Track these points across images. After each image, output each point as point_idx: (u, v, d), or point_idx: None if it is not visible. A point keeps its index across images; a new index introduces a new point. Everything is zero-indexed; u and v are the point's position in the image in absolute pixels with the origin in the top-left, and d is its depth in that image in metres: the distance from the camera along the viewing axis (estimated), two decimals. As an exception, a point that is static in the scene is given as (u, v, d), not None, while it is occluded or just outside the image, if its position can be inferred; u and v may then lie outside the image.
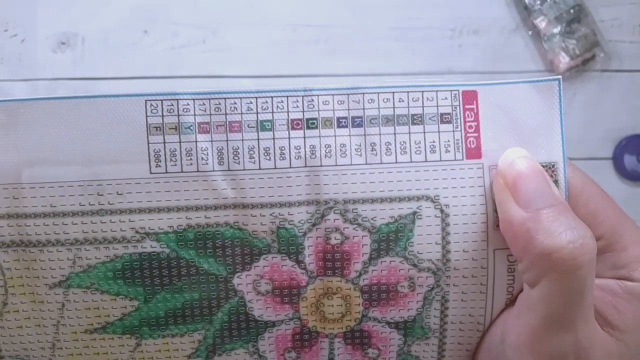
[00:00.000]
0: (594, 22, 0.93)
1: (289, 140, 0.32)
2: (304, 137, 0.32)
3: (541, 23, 0.92)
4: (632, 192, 0.95)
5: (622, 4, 0.94)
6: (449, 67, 0.93)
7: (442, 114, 0.32)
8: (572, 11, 0.92)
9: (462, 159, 0.32)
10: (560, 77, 0.32)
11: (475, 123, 0.32)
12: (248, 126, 0.32)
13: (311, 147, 0.32)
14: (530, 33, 0.93)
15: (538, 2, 0.92)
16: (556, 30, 0.92)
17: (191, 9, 0.91)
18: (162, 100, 0.31)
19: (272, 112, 0.32)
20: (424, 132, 0.32)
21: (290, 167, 0.32)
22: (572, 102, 0.94)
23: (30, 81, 0.89)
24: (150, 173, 0.32)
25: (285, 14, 0.92)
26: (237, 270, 0.33)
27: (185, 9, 0.91)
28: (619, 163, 0.94)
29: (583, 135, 0.93)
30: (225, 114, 0.32)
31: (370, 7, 0.93)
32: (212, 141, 0.32)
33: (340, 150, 0.32)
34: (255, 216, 0.32)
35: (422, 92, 0.32)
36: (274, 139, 0.32)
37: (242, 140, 0.32)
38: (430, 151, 0.32)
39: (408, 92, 0.32)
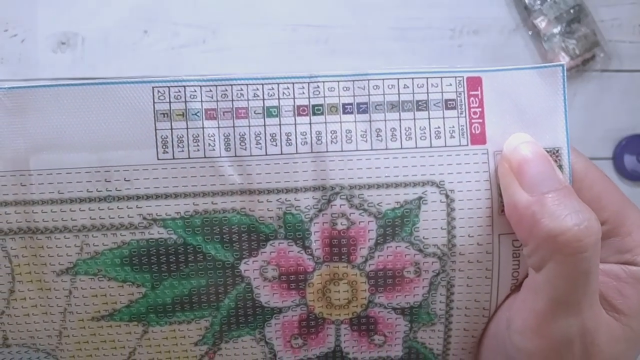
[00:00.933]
0: (594, 22, 0.93)
1: (295, 126, 0.32)
2: (310, 123, 0.32)
3: (541, 23, 0.92)
4: (632, 192, 0.95)
5: (622, 4, 0.94)
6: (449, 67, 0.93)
7: (446, 100, 0.32)
8: (572, 11, 0.92)
9: (467, 145, 0.32)
10: (564, 63, 0.32)
11: (480, 109, 0.32)
12: (254, 112, 0.32)
13: (317, 133, 0.32)
14: (530, 33, 0.93)
15: (538, 2, 0.92)
16: (556, 30, 0.92)
17: (191, 9, 0.91)
18: (169, 87, 0.32)
19: (279, 99, 0.32)
20: (429, 118, 0.32)
21: (297, 153, 0.32)
22: (572, 102, 0.94)
23: (30, 81, 0.89)
24: (158, 159, 0.32)
25: (285, 14, 0.92)
26: (244, 256, 0.33)
27: (185, 9, 0.91)
28: (619, 163, 0.94)
29: (583, 135, 0.93)
30: (232, 100, 0.32)
31: (370, 7, 0.93)
32: (219, 127, 0.32)
33: (346, 136, 0.32)
34: (262, 202, 0.32)
35: (427, 78, 0.32)
36: (280, 124, 0.32)
37: (249, 126, 0.32)
38: (435, 137, 0.32)
39: (413, 78, 0.32)
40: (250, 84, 0.32)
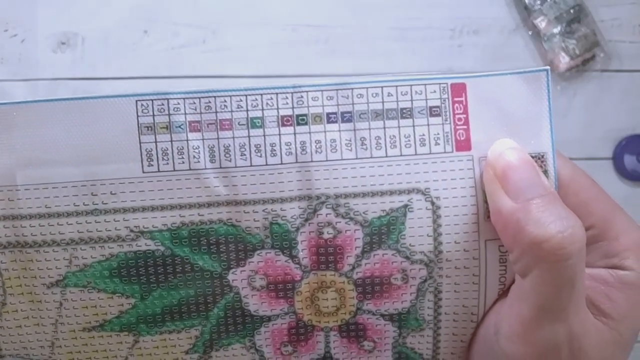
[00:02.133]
0: (594, 22, 0.93)
1: (280, 136, 0.32)
2: (294, 134, 0.32)
3: (541, 23, 0.92)
4: (632, 192, 0.95)
5: (622, 4, 0.94)
6: (449, 67, 0.93)
7: (431, 107, 0.32)
8: (572, 11, 0.92)
9: (452, 152, 0.32)
10: (548, 67, 0.32)
11: (465, 115, 0.32)
12: (238, 124, 0.32)
13: (302, 143, 0.32)
14: (530, 33, 0.93)
15: (538, 2, 0.92)
16: (556, 30, 0.92)
17: (191, 9, 0.92)
18: (152, 100, 0.32)
19: (262, 109, 0.32)
20: (414, 126, 0.32)
21: (282, 163, 0.32)
22: (572, 102, 0.94)
23: (30, 81, 0.89)
24: (143, 172, 0.32)
25: (285, 14, 0.92)
26: (232, 266, 0.33)
27: (185, 9, 0.91)
28: (619, 163, 0.94)
29: (583, 135, 0.93)
30: (216, 112, 0.32)
31: (370, 7, 0.93)
32: (203, 139, 0.32)
33: (331, 145, 0.32)
34: (248, 212, 0.32)
35: (411, 85, 0.32)
36: (264, 135, 0.32)
37: (233, 137, 0.32)
38: (420, 144, 0.32)
39: (396, 86, 0.32)
40: (234, 95, 0.32)
